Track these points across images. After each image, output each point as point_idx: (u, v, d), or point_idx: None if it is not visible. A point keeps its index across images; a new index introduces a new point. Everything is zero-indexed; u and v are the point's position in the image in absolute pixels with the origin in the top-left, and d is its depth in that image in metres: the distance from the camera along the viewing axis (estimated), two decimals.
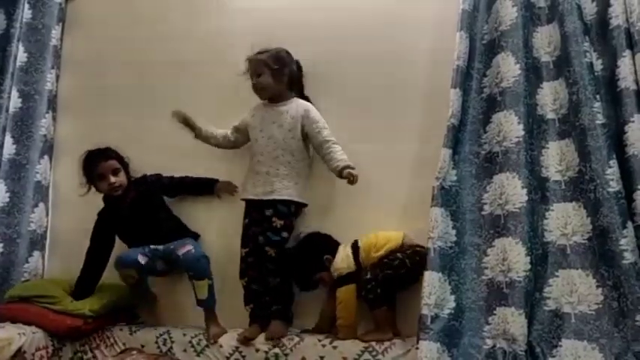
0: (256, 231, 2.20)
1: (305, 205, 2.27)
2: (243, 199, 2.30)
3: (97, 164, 2.37)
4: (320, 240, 2.18)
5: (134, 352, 2.18)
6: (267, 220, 2.17)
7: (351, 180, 2.08)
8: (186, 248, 2.25)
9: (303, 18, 2.49)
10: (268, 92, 2.27)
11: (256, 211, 2.23)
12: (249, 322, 2.20)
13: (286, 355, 2.02)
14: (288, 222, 2.19)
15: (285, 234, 2.18)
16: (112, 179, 2.35)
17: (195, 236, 2.42)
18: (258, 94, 2.29)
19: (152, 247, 2.34)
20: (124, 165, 2.44)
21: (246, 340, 2.09)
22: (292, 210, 2.21)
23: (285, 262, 2.14)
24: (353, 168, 2.09)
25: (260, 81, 2.24)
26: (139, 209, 2.38)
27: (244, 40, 2.33)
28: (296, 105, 2.26)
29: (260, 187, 2.22)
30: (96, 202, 2.49)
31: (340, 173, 2.10)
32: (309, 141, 2.25)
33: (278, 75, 2.24)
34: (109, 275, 2.42)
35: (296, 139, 2.22)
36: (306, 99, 2.31)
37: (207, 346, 2.16)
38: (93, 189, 2.42)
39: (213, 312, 2.25)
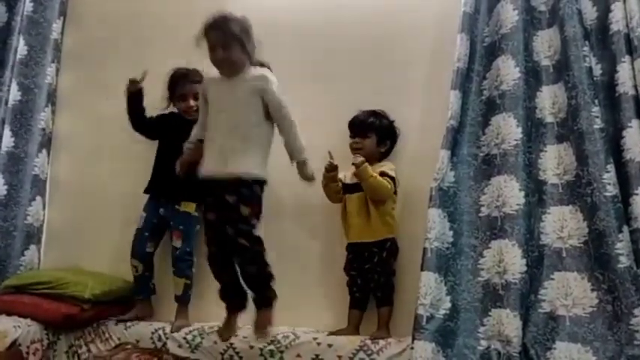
0: (220, 220, 1.96)
1: (265, 182, 2.03)
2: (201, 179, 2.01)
3: (182, 84, 2.39)
4: None
5: (129, 346, 2.18)
6: (232, 209, 1.92)
7: (307, 178, 1.95)
8: (178, 242, 2.31)
9: (302, 17, 2.50)
10: (235, 68, 1.99)
11: (215, 197, 1.97)
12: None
13: (281, 352, 2.02)
14: (256, 207, 1.96)
15: (254, 220, 1.95)
16: (192, 103, 2.36)
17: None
18: (223, 68, 2.00)
19: (161, 210, 2.37)
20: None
21: (224, 337, 2.05)
22: (257, 191, 1.97)
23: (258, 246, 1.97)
24: (305, 163, 1.93)
25: (230, 56, 1.96)
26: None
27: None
28: (253, 73, 1.99)
29: (215, 163, 1.96)
30: (93, 196, 2.49)
31: (297, 167, 1.94)
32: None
33: (247, 48, 1.98)
34: (113, 266, 2.44)
35: (255, 111, 1.97)
36: (262, 65, 2.06)
37: (201, 342, 2.15)
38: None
39: (185, 307, 2.33)
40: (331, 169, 2.17)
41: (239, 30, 1.97)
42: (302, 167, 1.93)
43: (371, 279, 2.11)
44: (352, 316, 2.13)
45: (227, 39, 1.96)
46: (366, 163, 2.11)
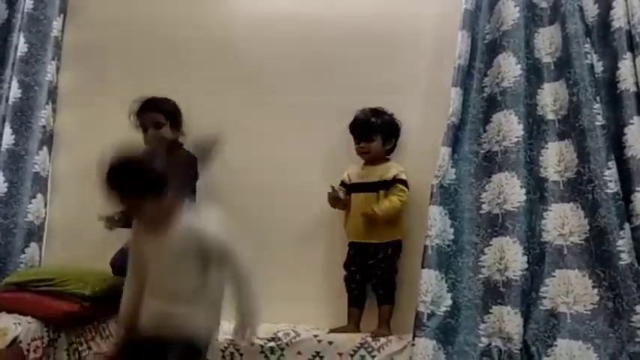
0: None
1: None
2: None
3: (141, 114, 2.28)
4: None
5: None
6: None
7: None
8: None
9: (302, 14, 2.49)
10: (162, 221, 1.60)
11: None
12: None
13: (282, 349, 2.01)
14: None
15: None
16: (152, 132, 2.24)
17: None
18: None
19: None
20: (173, 119, 2.28)
21: None
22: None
23: None
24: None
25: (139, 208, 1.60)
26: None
27: (249, 29, 2.32)
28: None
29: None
30: (95, 193, 2.46)
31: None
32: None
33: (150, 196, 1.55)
34: None
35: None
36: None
37: None
38: None
39: None
40: (335, 201, 2.16)
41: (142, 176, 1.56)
42: (243, 330, 1.56)
43: (373, 275, 2.10)
44: (352, 313, 2.13)
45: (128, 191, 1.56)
46: (375, 210, 2.06)
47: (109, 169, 1.57)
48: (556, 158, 2.00)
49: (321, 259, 2.33)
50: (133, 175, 1.56)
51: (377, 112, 2.20)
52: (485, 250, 1.97)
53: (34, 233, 2.67)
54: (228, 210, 2.37)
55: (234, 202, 2.41)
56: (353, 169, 2.23)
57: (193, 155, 2.23)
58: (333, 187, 2.15)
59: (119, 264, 2.12)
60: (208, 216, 1.64)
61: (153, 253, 1.63)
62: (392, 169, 2.15)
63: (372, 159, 2.19)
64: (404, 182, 2.12)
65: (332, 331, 2.08)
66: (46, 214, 2.75)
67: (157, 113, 2.26)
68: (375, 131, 2.16)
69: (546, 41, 2.12)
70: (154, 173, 1.56)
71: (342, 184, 2.23)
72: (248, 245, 2.34)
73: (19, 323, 2.20)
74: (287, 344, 2.02)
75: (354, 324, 2.11)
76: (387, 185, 2.13)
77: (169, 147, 2.20)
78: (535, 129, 2.05)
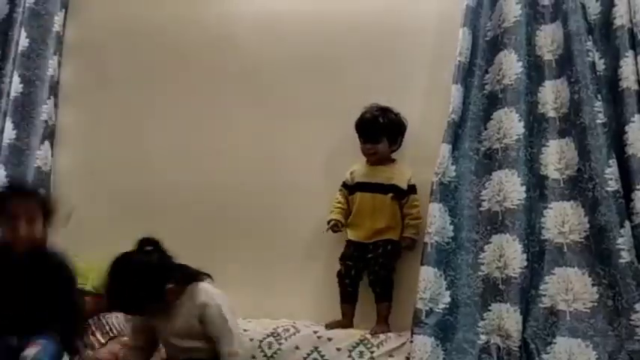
0: None
1: None
2: None
3: (10, 201, 1.85)
4: None
5: (125, 338, 2.18)
6: None
7: None
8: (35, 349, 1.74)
9: (303, 11, 2.49)
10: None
11: None
12: None
13: (280, 344, 2.02)
14: None
15: None
16: (23, 229, 1.81)
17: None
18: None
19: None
20: (47, 214, 1.89)
21: None
22: None
23: None
24: None
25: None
26: (29, 281, 1.84)
27: (249, 26, 2.32)
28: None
29: None
30: (96, 188, 2.49)
31: None
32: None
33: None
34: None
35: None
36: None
37: None
38: None
39: None
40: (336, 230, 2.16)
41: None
42: None
43: (370, 272, 2.08)
44: (345, 309, 2.11)
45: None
46: (414, 238, 2.08)
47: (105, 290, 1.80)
48: (557, 156, 2.00)
49: (321, 256, 2.34)
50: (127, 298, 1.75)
51: (384, 111, 2.16)
52: (485, 247, 1.97)
53: None
54: (228, 209, 2.43)
55: (234, 202, 2.44)
56: (357, 167, 2.21)
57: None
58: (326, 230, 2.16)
59: None
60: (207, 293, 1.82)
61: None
62: (404, 173, 2.13)
63: (377, 161, 2.18)
64: (415, 189, 2.12)
65: (327, 325, 2.08)
66: None
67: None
68: (382, 133, 2.13)
69: (548, 39, 2.11)
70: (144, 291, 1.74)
71: (344, 185, 2.21)
72: (250, 243, 2.40)
73: None
74: (285, 339, 2.03)
75: (348, 319, 2.10)
76: (398, 190, 2.11)
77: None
78: (536, 126, 2.04)
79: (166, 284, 1.76)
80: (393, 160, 2.20)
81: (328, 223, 2.14)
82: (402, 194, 2.11)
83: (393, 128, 2.16)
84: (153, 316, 1.83)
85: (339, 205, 2.18)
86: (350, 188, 2.20)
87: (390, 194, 2.11)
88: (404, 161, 2.21)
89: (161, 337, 1.87)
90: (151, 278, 1.75)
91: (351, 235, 2.16)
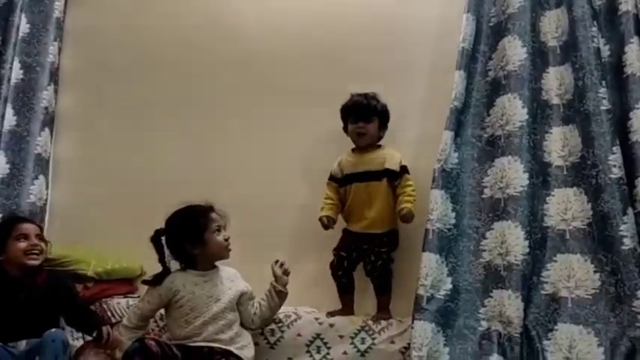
0: None
1: None
2: None
3: (18, 224, 2.03)
4: None
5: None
6: None
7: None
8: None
9: (306, 4, 2.47)
10: None
11: None
12: None
13: (282, 331, 2.02)
14: None
15: None
16: (35, 241, 1.99)
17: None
18: None
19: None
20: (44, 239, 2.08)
21: None
22: None
23: None
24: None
25: None
26: (41, 298, 1.96)
27: (255, 17, 2.31)
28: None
29: None
30: (97, 175, 2.48)
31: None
32: None
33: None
34: (116, 244, 2.44)
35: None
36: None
37: None
38: None
39: None
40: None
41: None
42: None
43: (367, 262, 2.05)
44: (344, 299, 2.10)
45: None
46: (411, 210, 2.00)
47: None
48: (560, 143, 1.98)
49: (319, 246, 2.33)
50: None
51: (375, 97, 2.14)
52: (487, 234, 1.96)
53: (37, 215, 2.66)
54: (230, 199, 2.41)
55: (234, 192, 2.43)
56: (344, 158, 2.17)
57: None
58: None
59: None
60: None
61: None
62: (394, 156, 2.10)
63: (365, 144, 2.13)
64: (407, 170, 2.09)
65: (329, 313, 2.08)
66: (47, 195, 2.75)
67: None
68: (375, 113, 2.12)
69: (552, 24, 2.09)
70: None
71: (333, 178, 2.17)
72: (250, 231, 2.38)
73: None
74: (288, 326, 2.03)
75: (348, 307, 2.09)
76: (391, 174, 2.08)
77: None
78: (539, 113, 2.03)
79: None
80: (379, 146, 2.17)
81: (320, 220, 2.10)
82: (396, 177, 2.08)
83: (383, 111, 2.14)
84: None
85: (329, 201, 2.14)
86: (340, 181, 2.16)
87: (384, 179, 2.08)
88: (406, 148, 2.18)
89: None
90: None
91: (351, 226, 2.13)
